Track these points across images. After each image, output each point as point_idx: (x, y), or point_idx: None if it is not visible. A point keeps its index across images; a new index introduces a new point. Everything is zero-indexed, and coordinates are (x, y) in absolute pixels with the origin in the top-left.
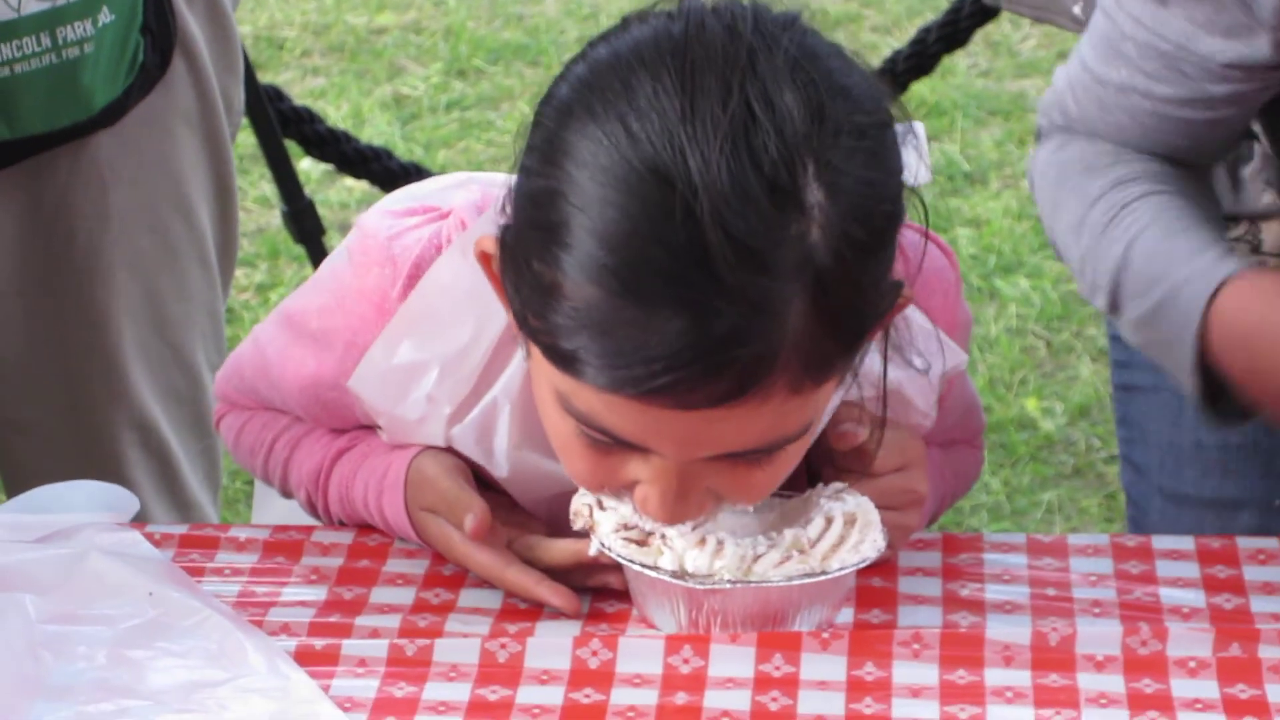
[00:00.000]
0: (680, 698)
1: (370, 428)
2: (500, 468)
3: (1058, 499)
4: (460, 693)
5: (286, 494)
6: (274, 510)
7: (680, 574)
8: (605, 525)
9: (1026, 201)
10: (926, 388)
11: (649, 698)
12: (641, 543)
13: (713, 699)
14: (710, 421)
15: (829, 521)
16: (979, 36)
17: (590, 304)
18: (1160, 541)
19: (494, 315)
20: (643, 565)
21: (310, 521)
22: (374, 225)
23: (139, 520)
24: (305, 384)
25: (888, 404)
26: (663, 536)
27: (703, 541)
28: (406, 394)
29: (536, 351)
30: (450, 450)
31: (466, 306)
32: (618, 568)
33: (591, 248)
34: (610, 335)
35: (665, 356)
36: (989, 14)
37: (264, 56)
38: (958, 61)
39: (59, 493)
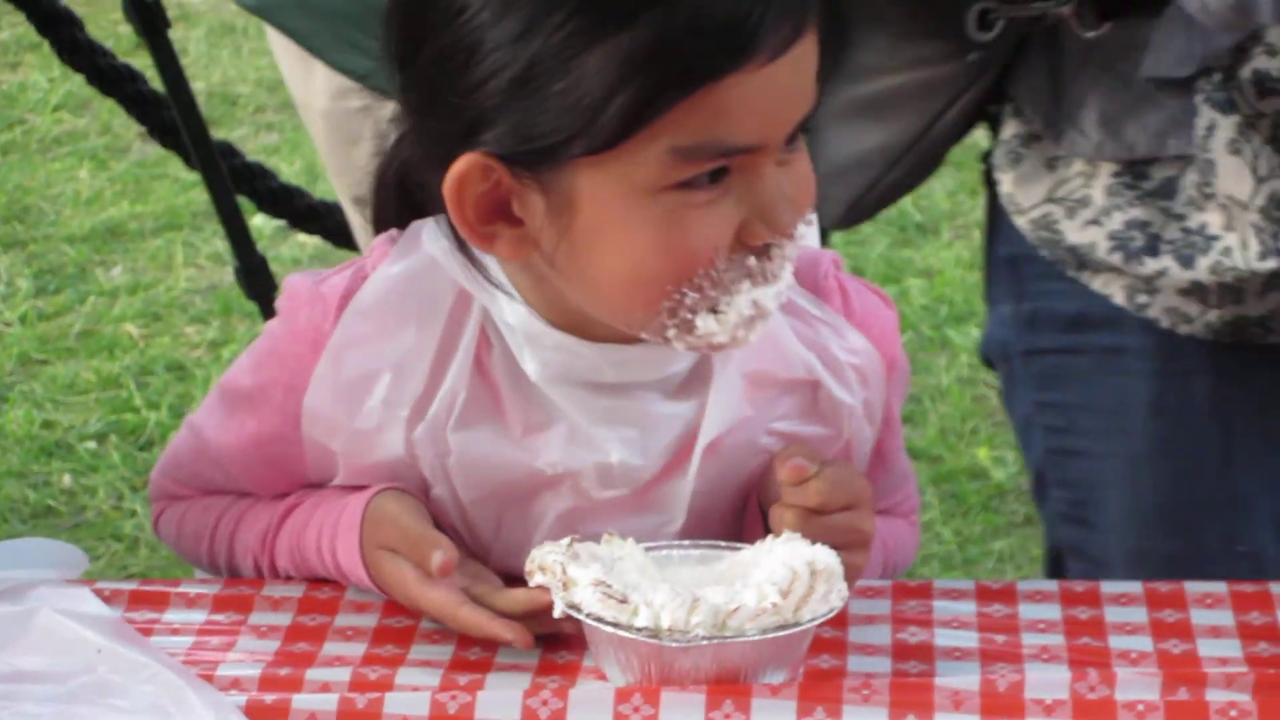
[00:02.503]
0: None
1: (318, 486)
2: (456, 448)
3: (1009, 548)
4: None
5: (233, 572)
6: None
7: (655, 632)
8: (582, 580)
9: (977, 251)
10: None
11: None
12: (620, 600)
13: None
14: (788, 74)
15: (795, 573)
16: None
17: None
18: (1108, 587)
19: (433, 315)
20: (614, 625)
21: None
22: (297, 279)
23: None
24: (247, 446)
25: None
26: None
27: (678, 597)
28: (361, 404)
29: (591, 184)
30: (408, 491)
31: (405, 310)
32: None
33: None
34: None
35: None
36: None
37: (217, 113)
38: None
39: (10, 549)
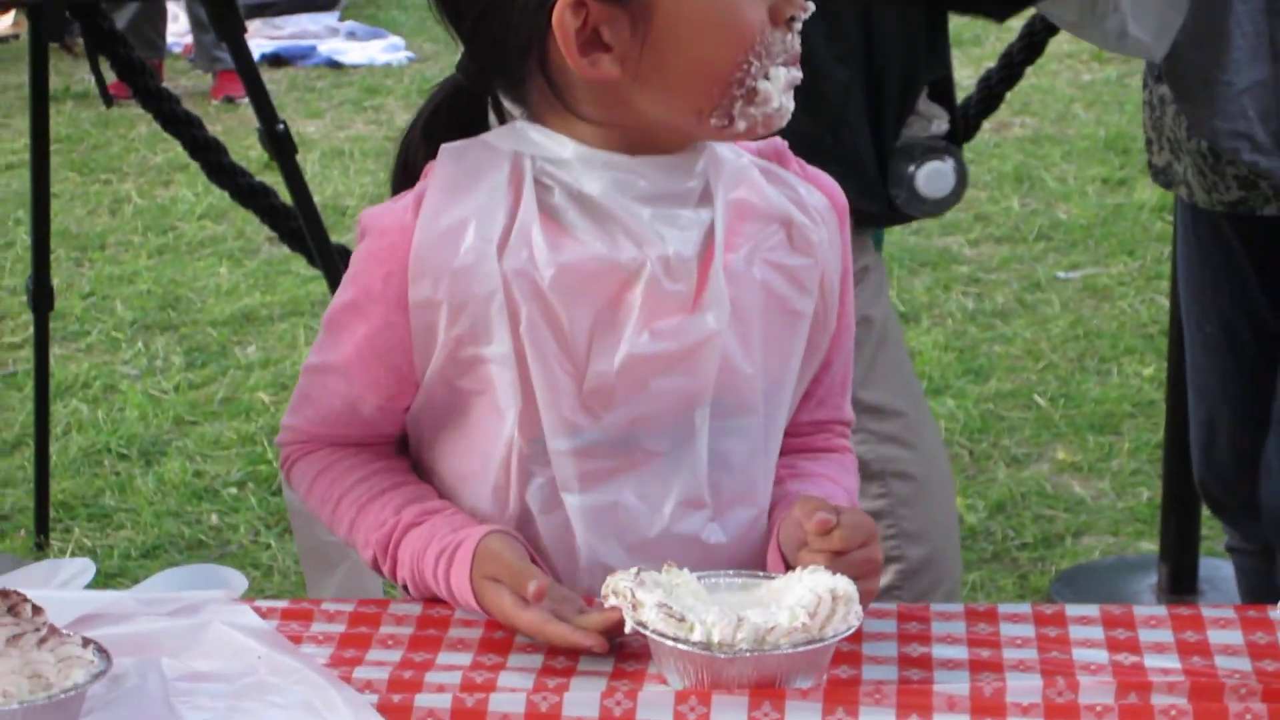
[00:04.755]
0: None
1: (429, 509)
2: (549, 269)
3: (980, 579)
4: None
5: (349, 543)
6: (328, 587)
7: (707, 646)
8: (648, 602)
9: (951, 336)
10: None
11: None
12: (679, 619)
13: None
14: None
15: (820, 598)
16: None
17: None
18: (1072, 610)
19: (498, 173)
20: (674, 640)
21: (365, 595)
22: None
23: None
24: (362, 348)
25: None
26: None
27: (725, 617)
28: (458, 247)
29: (668, 13)
30: (511, 534)
31: (476, 176)
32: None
33: None
34: None
35: None
36: None
37: (329, 221)
38: None
39: (186, 573)
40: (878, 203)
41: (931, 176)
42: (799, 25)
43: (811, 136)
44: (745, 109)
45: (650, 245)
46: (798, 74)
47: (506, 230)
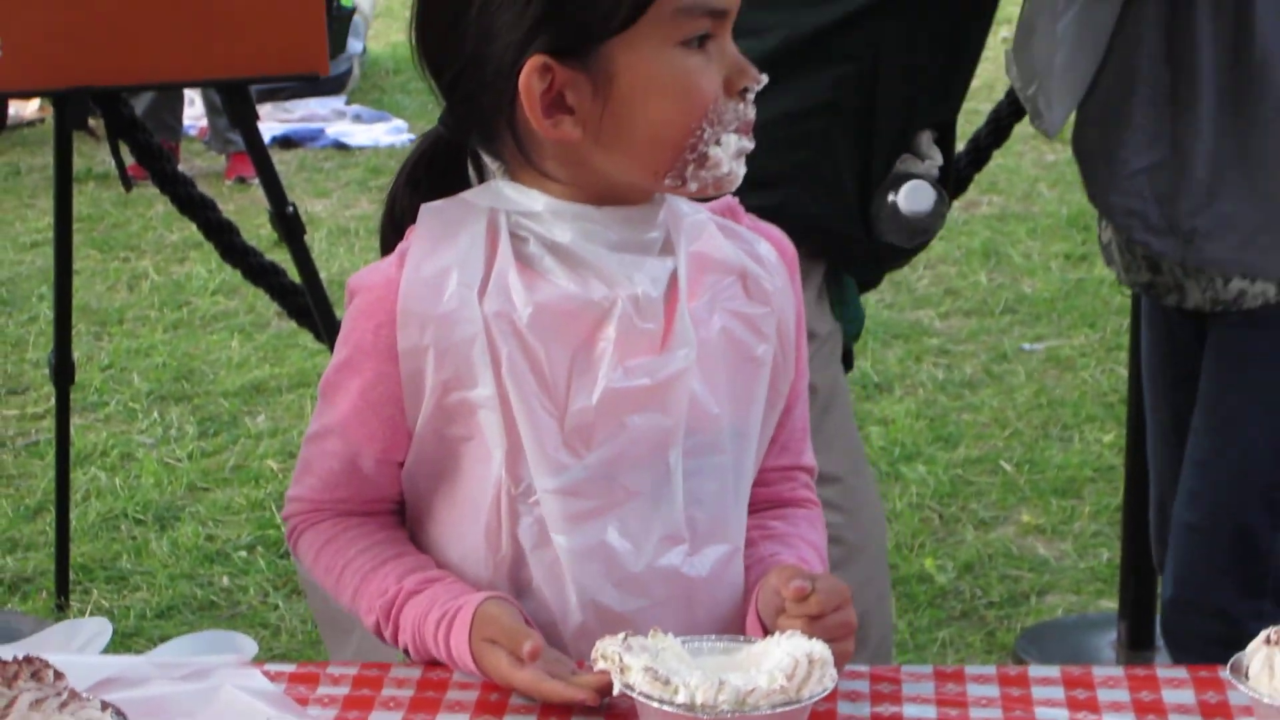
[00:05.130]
0: None
1: (430, 578)
2: (526, 308)
3: (949, 635)
4: None
5: (351, 610)
6: (345, 651)
7: (690, 707)
8: (635, 666)
9: (923, 405)
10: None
11: None
12: (664, 682)
13: None
14: None
15: (797, 661)
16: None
17: None
18: (1035, 670)
19: (476, 226)
20: (660, 701)
21: (382, 658)
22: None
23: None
24: (357, 403)
25: None
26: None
27: (708, 680)
28: (441, 294)
29: (624, 55)
30: (508, 599)
31: (456, 227)
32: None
33: None
34: None
35: None
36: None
37: (336, 297)
38: (867, 296)
39: (198, 639)
40: (854, 227)
41: (912, 193)
42: (751, 96)
43: (791, 151)
44: (697, 172)
45: (620, 286)
46: (749, 143)
47: (485, 277)
